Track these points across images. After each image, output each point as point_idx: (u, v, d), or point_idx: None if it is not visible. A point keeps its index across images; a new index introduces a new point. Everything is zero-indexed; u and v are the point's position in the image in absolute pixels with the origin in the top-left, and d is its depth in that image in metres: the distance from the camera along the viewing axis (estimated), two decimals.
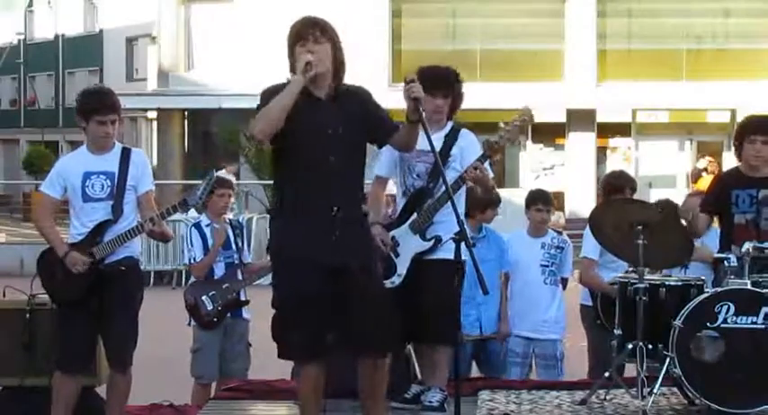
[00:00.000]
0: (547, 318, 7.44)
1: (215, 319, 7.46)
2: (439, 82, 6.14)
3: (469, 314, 7.26)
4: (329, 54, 5.20)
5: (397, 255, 6.20)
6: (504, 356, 7.48)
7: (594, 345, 7.43)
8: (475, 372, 7.60)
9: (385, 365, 5.34)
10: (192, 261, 7.58)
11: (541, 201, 7.58)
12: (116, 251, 6.12)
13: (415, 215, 6.18)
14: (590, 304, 7.34)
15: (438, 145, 5.97)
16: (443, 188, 5.85)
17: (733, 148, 6.82)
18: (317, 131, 5.16)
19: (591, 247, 7.05)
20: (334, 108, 5.21)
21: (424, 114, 5.18)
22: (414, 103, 5.13)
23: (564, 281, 7.70)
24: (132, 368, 6.24)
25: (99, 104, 6.14)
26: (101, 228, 6.10)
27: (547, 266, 7.54)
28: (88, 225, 6.12)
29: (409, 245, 6.18)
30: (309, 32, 5.19)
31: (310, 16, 5.31)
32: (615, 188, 7.51)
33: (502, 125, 6.18)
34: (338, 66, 5.25)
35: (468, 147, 6.21)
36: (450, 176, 5.95)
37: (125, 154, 6.18)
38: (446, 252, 5.86)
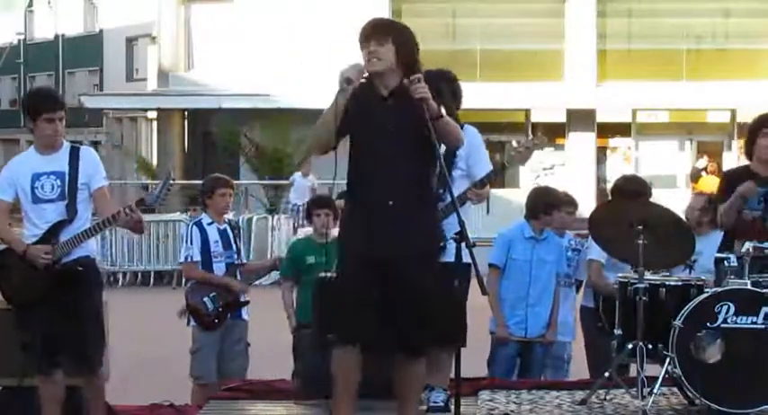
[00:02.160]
0: (558, 319, 7.41)
1: (215, 320, 7.45)
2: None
3: (517, 315, 7.26)
4: (391, 53, 5.26)
5: None
6: (544, 361, 7.41)
7: (594, 347, 7.43)
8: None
9: (422, 365, 5.40)
10: (189, 259, 7.56)
11: (573, 204, 7.59)
12: (72, 251, 6.05)
13: None
14: (591, 305, 7.35)
15: (442, 147, 6.01)
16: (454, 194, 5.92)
17: (739, 147, 6.84)
18: (377, 128, 5.28)
19: (598, 249, 7.04)
20: (394, 105, 5.29)
21: (442, 110, 5.18)
22: (421, 104, 5.14)
23: (579, 283, 7.70)
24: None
25: (46, 102, 6.13)
26: (56, 229, 6.04)
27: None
28: (42, 226, 6.07)
29: None
30: (372, 33, 5.31)
31: (377, 18, 5.46)
32: (628, 193, 7.30)
33: (514, 144, 6.26)
34: (406, 64, 5.30)
35: (473, 144, 6.25)
36: (456, 174, 6.09)
37: (74, 153, 6.13)
38: (449, 255, 5.86)
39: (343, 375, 5.32)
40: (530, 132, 27.33)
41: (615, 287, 6.90)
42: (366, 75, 5.33)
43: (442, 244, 5.41)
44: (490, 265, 7.17)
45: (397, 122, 5.26)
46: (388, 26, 5.43)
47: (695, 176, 23.87)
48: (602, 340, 6.93)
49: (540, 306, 7.27)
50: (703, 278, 6.36)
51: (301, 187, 22.70)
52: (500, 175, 6.36)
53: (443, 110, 5.29)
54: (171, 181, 6.31)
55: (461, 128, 6.27)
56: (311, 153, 5.42)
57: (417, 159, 5.31)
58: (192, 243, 7.55)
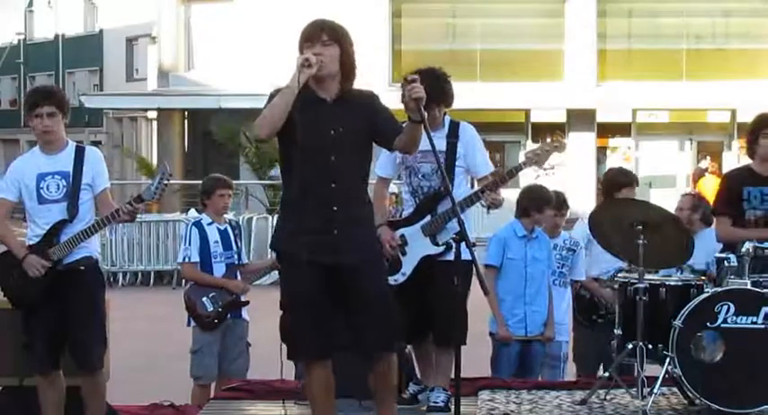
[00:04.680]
0: (555, 319, 7.43)
1: (215, 320, 7.45)
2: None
3: (516, 314, 7.27)
4: (336, 57, 5.18)
5: (404, 254, 6.21)
6: (542, 358, 7.44)
7: (576, 342, 7.59)
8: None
9: (394, 362, 5.35)
10: (187, 260, 7.56)
11: (558, 206, 7.59)
12: (73, 252, 6.02)
13: (428, 217, 6.19)
14: None
15: (442, 145, 6.02)
16: (460, 194, 5.98)
17: (740, 147, 6.88)
18: (320, 132, 5.16)
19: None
20: (339, 109, 5.21)
21: (426, 114, 5.14)
22: (415, 103, 5.10)
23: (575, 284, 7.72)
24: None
25: (36, 97, 6.09)
26: (56, 229, 6.02)
27: (557, 267, 7.54)
28: (44, 226, 6.04)
29: (418, 247, 6.19)
30: (317, 34, 5.20)
31: (321, 19, 5.32)
32: (617, 184, 7.52)
33: (533, 146, 6.28)
34: (347, 69, 5.24)
35: (471, 142, 6.28)
36: (457, 172, 6.07)
37: (79, 153, 6.10)
38: (450, 255, 5.87)
39: (318, 395, 5.27)
40: (529, 132, 27.37)
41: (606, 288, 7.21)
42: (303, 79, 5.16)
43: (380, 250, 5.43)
44: (487, 266, 7.18)
45: (339, 128, 5.17)
46: (333, 28, 5.26)
47: (698, 176, 23.92)
48: (581, 332, 7.46)
49: (536, 304, 7.28)
50: (703, 277, 6.37)
51: None
52: (513, 176, 6.35)
53: (426, 115, 5.21)
54: (168, 174, 6.25)
55: (457, 126, 6.29)
56: (260, 135, 5.20)
57: (359, 164, 5.27)
58: (190, 244, 7.54)
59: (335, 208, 5.15)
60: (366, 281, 5.18)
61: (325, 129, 5.17)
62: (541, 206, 7.31)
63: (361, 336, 5.18)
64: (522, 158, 6.42)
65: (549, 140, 6.37)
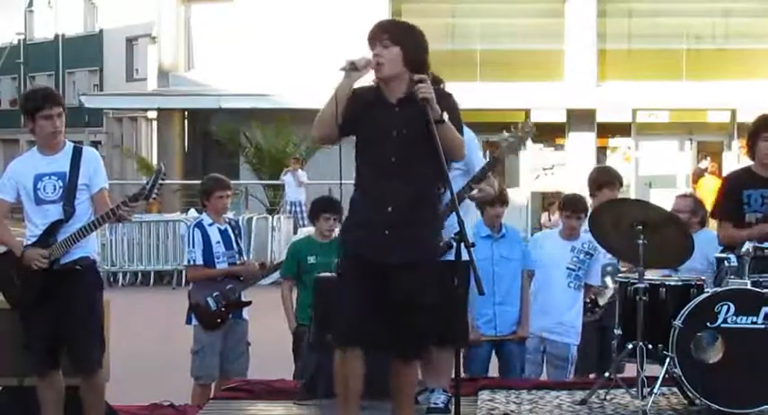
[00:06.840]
0: (563, 321, 7.42)
1: (218, 319, 7.46)
2: None
3: (485, 314, 7.25)
4: (397, 58, 5.19)
5: None
6: (522, 358, 7.43)
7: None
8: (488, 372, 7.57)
9: (416, 366, 5.40)
10: (192, 262, 7.56)
11: (571, 208, 7.58)
12: (70, 251, 6.02)
13: None
14: None
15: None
16: (457, 192, 5.88)
17: (740, 147, 6.85)
18: (382, 133, 5.21)
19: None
20: (404, 111, 5.22)
21: (444, 114, 5.13)
22: (423, 104, 5.11)
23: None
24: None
25: (41, 100, 6.10)
26: (53, 229, 6.02)
27: (573, 270, 7.52)
28: (42, 227, 6.05)
29: None
30: (378, 35, 5.23)
31: (387, 19, 5.40)
32: (597, 183, 7.68)
33: (505, 134, 6.25)
34: (414, 68, 5.20)
35: (468, 144, 6.23)
36: (453, 175, 6.02)
37: (76, 154, 6.11)
38: (451, 254, 5.85)
39: (345, 380, 5.28)
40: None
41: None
42: (375, 79, 5.28)
43: (437, 252, 5.33)
44: None
45: (402, 129, 5.19)
46: (395, 28, 5.30)
47: (698, 176, 23.92)
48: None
49: (508, 304, 7.28)
50: (703, 277, 6.37)
51: (292, 182, 22.87)
52: (495, 166, 6.32)
53: (446, 116, 5.21)
54: (163, 174, 6.26)
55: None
56: (315, 138, 5.44)
57: (421, 166, 5.22)
58: (194, 246, 7.55)
59: (390, 209, 5.19)
60: (405, 283, 5.18)
61: (386, 131, 5.20)
62: (492, 201, 7.27)
63: (394, 337, 5.21)
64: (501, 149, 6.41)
65: (519, 126, 6.35)
